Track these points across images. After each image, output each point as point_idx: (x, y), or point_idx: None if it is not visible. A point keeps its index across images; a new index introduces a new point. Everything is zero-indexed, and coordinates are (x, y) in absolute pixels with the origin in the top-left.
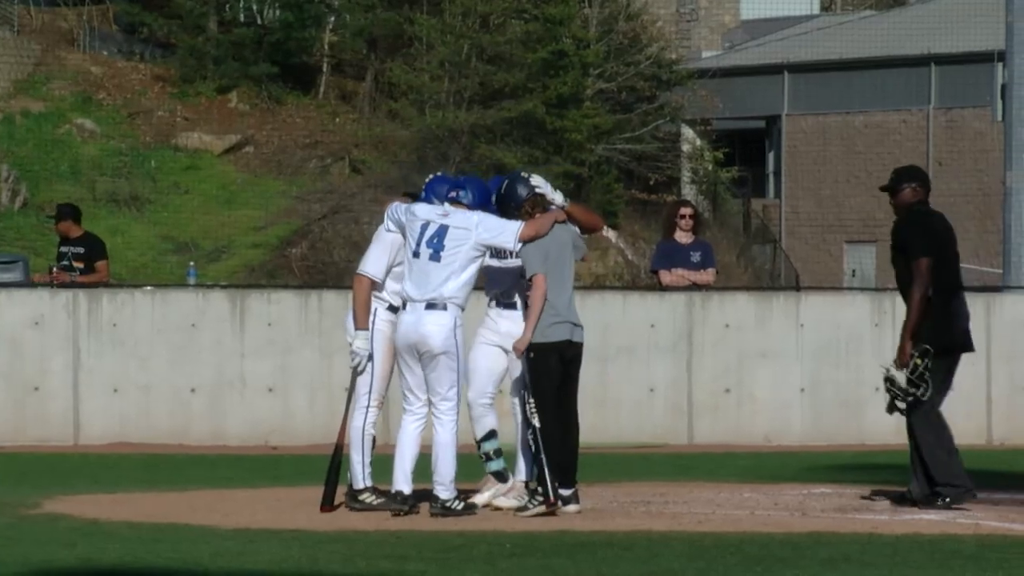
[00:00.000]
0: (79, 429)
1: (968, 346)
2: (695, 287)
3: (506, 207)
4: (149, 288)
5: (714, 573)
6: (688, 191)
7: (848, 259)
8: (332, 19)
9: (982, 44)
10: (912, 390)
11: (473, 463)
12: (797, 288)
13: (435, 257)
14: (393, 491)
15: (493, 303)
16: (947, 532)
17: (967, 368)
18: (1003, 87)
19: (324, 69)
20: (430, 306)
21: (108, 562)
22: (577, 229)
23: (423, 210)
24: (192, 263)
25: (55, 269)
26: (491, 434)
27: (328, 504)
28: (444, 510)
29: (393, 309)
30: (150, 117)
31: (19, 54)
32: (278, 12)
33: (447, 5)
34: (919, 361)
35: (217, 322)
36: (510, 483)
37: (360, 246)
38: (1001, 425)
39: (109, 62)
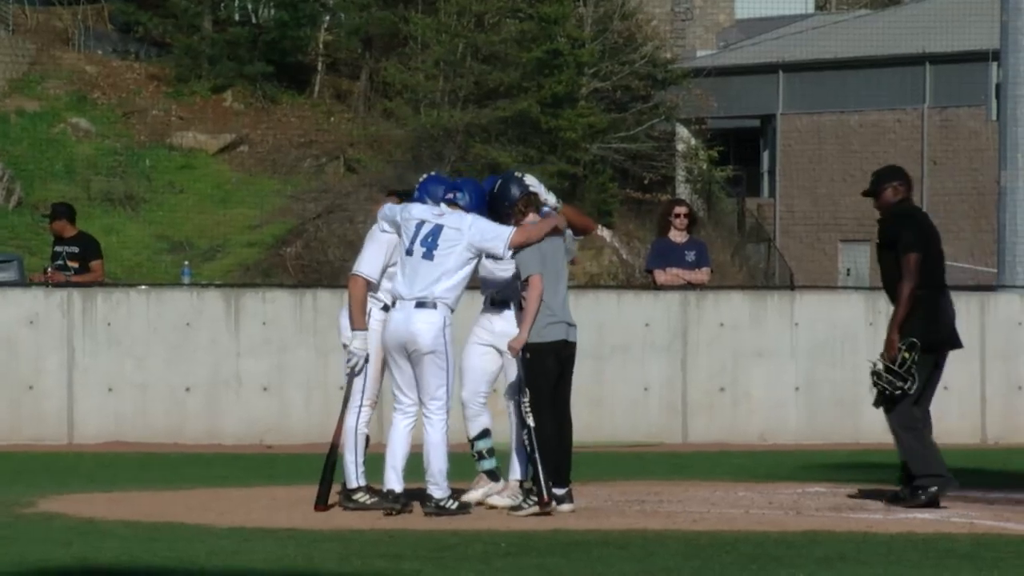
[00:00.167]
0: (74, 428)
1: (955, 343)
2: (690, 286)
3: (499, 206)
4: (144, 287)
5: (709, 572)
6: (683, 190)
7: (843, 258)
8: (327, 18)
9: (977, 43)
10: (899, 383)
11: (465, 462)
12: (792, 287)
13: (428, 256)
14: (384, 490)
15: (488, 303)
16: (942, 531)
17: (961, 367)
18: (998, 86)
19: (319, 68)
20: (420, 304)
21: (104, 561)
22: (570, 231)
23: (419, 210)
24: (187, 262)
25: (50, 270)
26: (484, 433)
27: (322, 503)
28: (438, 509)
29: (387, 309)
30: (145, 116)
31: (14, 53)
32: (273, 11)
33: (442, 4)
34: (907, 355)
35: (212, 321)
36: (502, 483)
37: (355, 245)
38: (995, 424)
39: (104, 61)
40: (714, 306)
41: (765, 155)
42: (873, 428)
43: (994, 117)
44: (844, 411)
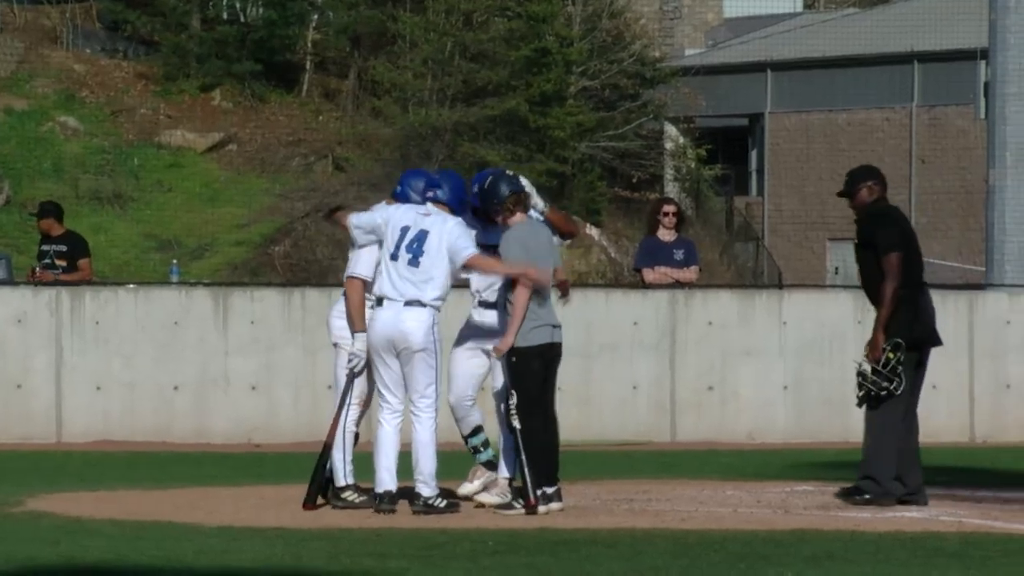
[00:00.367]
0: (62, 427)
1: (935, 340)
2: (678, 285)
3: (488, 203)
4: (132, 286)
5: (697, 570)
6: (671, 189)
7: (831, 257)
8: (315, 17)
9: (965, 42)
10: (885, 384)
11: (454, 460)
12: (780, 286)
13: (414, 263)
14: (380, 491)
15: (476, 303)
16: (930, 530)
17: (950, 366)
18: (986, 85)
19: (307, 67)
20: (409, 303)
21: (91, 560)
22: (556, 237)
23: (402, 213)
24: (175, 261)
25: (38, 269)
26: (477, 429)
27: (311, 502)
28: (426, 507)
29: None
30: (133, 115)
31: (2, 52)
32: (261, 10)
33: (430, 3)
34: (891, 355)
35: (200, 320)
36: (495, 475)
37: (343, 244)
38: (984, 423)
39: (92, 60)
40: (702, 305)
41: (753, 154)
42: (861, 427)
43: (982, 116)
44: (832, 410)
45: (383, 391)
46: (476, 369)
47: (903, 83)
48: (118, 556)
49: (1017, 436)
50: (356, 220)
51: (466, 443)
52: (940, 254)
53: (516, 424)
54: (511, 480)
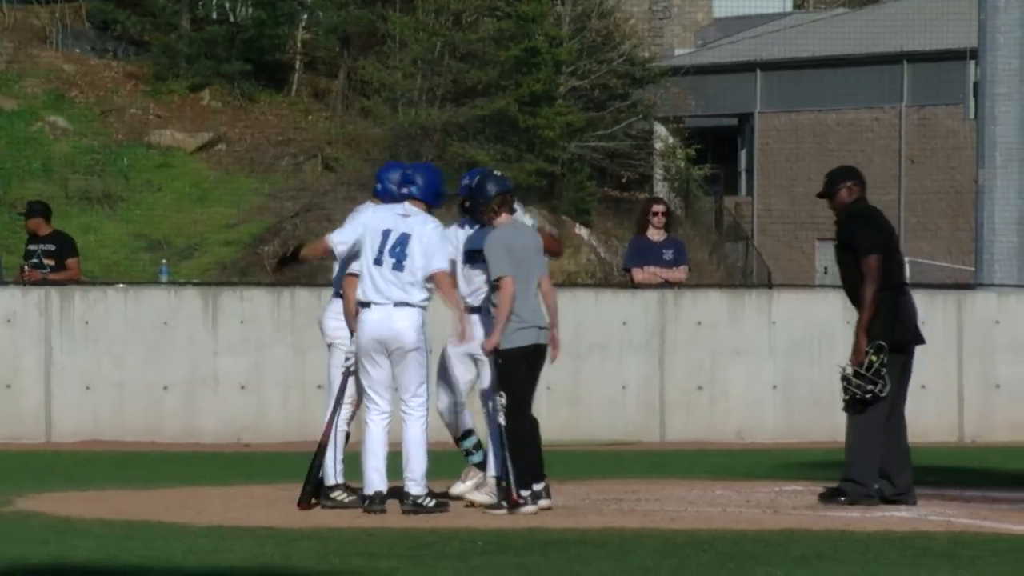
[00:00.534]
0: (51, 427)
1: (918, 339)
2: (667, 285)
3: (475, 202)
4: (121, 286)
5: (687, 570)
6: (660, 189)
7: (820, 256)
8: (305, 17)
9: (955, 42)
10: (870, 387)
11: (445, 460)
12: (769, 285)
13: (399, 267)
14: (370, 492)
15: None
16: (919, 529)
17: (939, 366)
18: (975, 85)
19: (297, 67)
20: (398, 304)
21: (81, 560)
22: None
23: (381, 215)
24: (164, 261)
25: (26, 268)
26: (468, 432)
27: (306, 502)
28: (416, 507)
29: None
30: (122, 115)
31: None
32: (251, 10)
33: (420, 3)
34: (875, 358)
35: (190, 320)
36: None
37: None
38: (973, 423)
39: (82, 60)
40: (692, 305)
41: (743, 154)
42: None
43: (972, 116)
44: (821, 410)
45: (371, 392)
46: (465, 375)
47: (892, 83)
48: (108, 556)
49: (1006, 436)
50: (339, 238)
51: (458, 446)
52: (929, 254)
53: (501, 421)
54: (499, 479)
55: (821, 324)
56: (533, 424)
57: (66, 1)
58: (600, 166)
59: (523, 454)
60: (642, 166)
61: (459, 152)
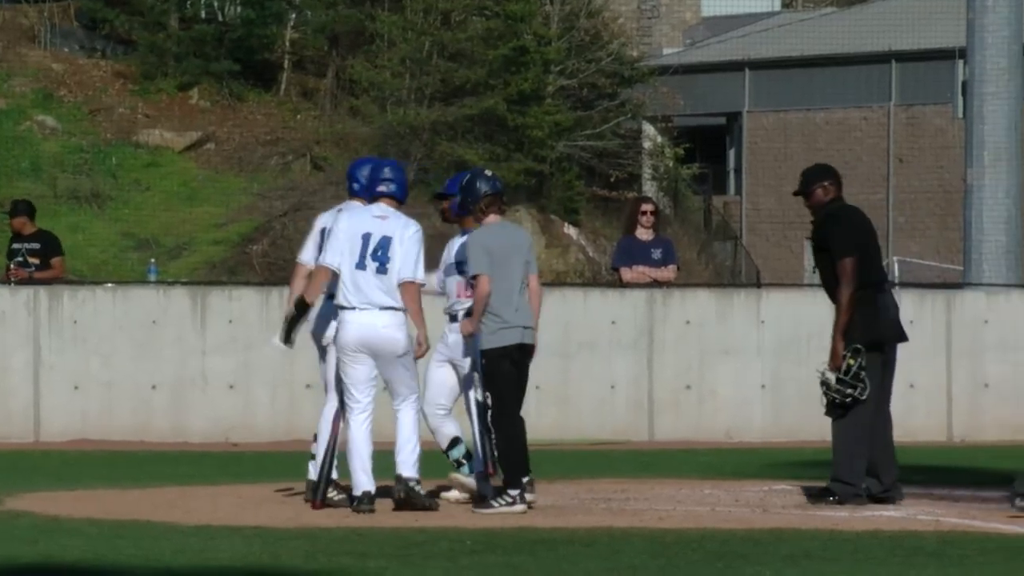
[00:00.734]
0: (40, 426)
1: (900, 337)
2: (656, 284)
3: (464, 200)
4: (110, 285)
5: (675, 569)
6: (649, 188)
7: (809, 256)
8: (293, 16)
9: (943, 41)
10: (849, 391)
11: (433, 460)
12: (758, 285)
13: (382, 270)
14: (359, 492)
15: (447, 316)
16: (908, 529)
17: (928, 365)
18: (964, 84)
19: (285, 66)
20: (384, 308)
21: (70, 559)
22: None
23: (356, 219)
24: (153, 260)
25: (12, 267)
26: (455, 441)
27: (322, 499)
28: (409, 490)
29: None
30: (111, 114)
31: None
32: (239, 9)
33: (408, 2)
34: (852, 361)
35: (178, 319)
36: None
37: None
38: (962, 422)
39: (70, 59)
40: (680, 304)
41: (731, 153)
42: None
43: (960, 115)
44: (810, 409)
45: (353, 390)
46: (448, 379)
47: (881, 82)
48: (96, 555)
49: (995, 435)
50: (331, 259)
51: (447, 456)
52: (918, 253)
53: (477, 395)
54: (488, 473)
55: (810, 323)
56: (520, 423)
57: (54, 0)
58: (588, 165)
59: (510, 452)
60: (630, 165)
61: (447, 151)
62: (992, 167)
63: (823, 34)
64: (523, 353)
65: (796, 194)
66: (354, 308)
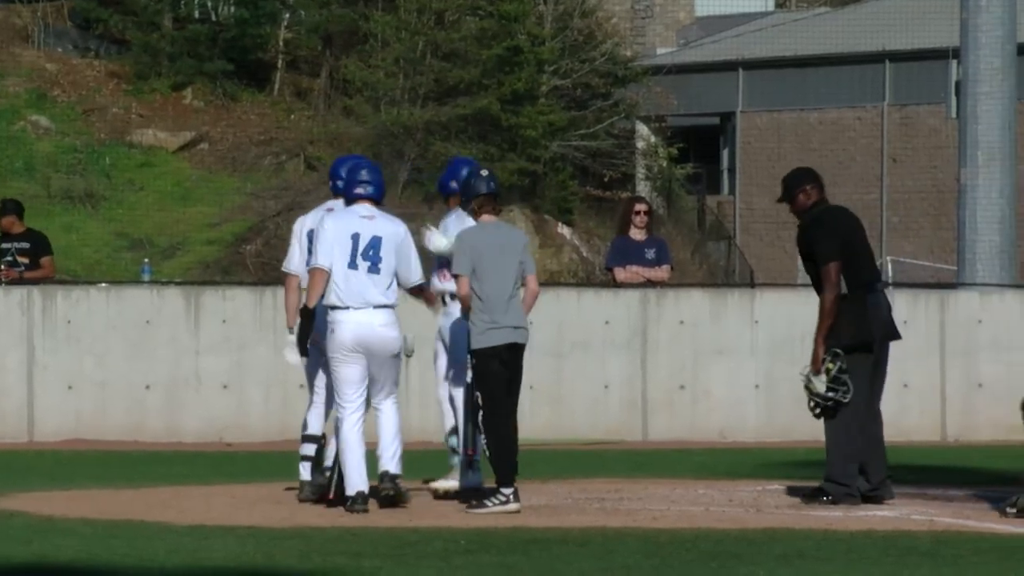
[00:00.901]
0: (33, 426)
1: (893, 335)
2: (650, 284)
3: (462, 196)
4: (104, 285)
5: (669, 569)
6: (643, 188)
7: None
8: (287, 16)
9: (936, 41)
10: (831, 394)
11: (426, 459)
12: (752, 285)
13: (374, 269)
14: (352, 492)
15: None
16: (901, 528)
17: (921, 365)
18: (957, 84)
19: (279, 66)
20: (378, 307)
21: (63, 559)
22: (527, 238)
23: (344, 221)
24: (147, 260)
25: (2, 267)
26: (454, 430)
27: (337, 492)
28: (395, 486)
29: None
30: (105, 114)
31: None
32: (233, 9)
33: (402, 2)
34: (831, 365)
35: (172, 319)
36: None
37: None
38: (955, 422)
39: (64, 59)
40: (674, 304)
41: (725, 153)
42: None
43: (954, 115)
44: (804, 409)
45: (346, 388)
46: (442, 369)
47: (875, 82)
48: (90, 555)
49: (988, 435)
50: (323, 261)
51: (446, 442)
52: (911, 253)
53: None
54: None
55: (803, 323)
56: (509, 422)
57: (48, 0)
58: (582, 165)
59: (501, 452)
60: (624, 165)
61: (441, 151)
62: (986, 167)
63: (817, 34)
64: (514, 352)
65: (780, 201)
66: (348, 308)
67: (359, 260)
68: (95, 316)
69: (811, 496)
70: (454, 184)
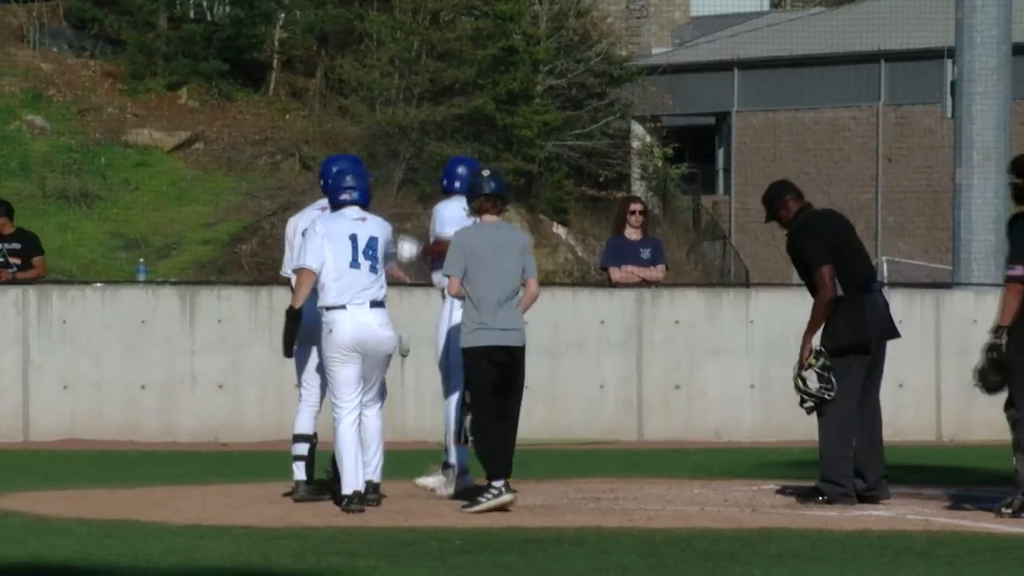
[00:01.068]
0: (29, 426)
1: (888, 334)
2: (645, 284)
3: (468, 193)
4: (99, 285)
5: (664, 569)
6: (638, 188)
7: None
8: (282, 16)
9: (932, 41)
10: (816, 393)
11: (415, 458)
12: (747, 284)
13: (374, 268)
14: (349, 491)
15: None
16: (897, 528)
17: (917, 365)
18: (953, 84)
19: (274, 66)
20: (375, 304)
21: (58, 559)
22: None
23: (338, 224)
24: (142, 260)
25: None
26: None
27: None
28: (379, 497)
29: None
30: (100, 114)
31: None
32: (228, 8)
33: (397, 2)
34: (813, 361)
35: (167, 319)
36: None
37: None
38: (950, 422)
39: (59, 59)
40: (669, 303)
41: (720, 152)
42: None
43: (949, 114)
44: (799, 409)
45: (343, 389)
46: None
47: (870, 82)
48: (85, 555)
49: (983, 435)
50: (313, 262)
51: (444, 440)
52: (907, 253)
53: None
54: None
55: (799, 323)
56: (497, 420)
57: (43, 0)
58: (577, 165)
59: (489, 448)
60: (619, 165)
61: (436, 151)
62: (981, 167)
63: (812, 34)
64: (508, 355)
65: (766, 221)
66: (344, 306)
67: (361, 260)
68: (90, 316)
69: (807, 496)
70: (458, 184)
